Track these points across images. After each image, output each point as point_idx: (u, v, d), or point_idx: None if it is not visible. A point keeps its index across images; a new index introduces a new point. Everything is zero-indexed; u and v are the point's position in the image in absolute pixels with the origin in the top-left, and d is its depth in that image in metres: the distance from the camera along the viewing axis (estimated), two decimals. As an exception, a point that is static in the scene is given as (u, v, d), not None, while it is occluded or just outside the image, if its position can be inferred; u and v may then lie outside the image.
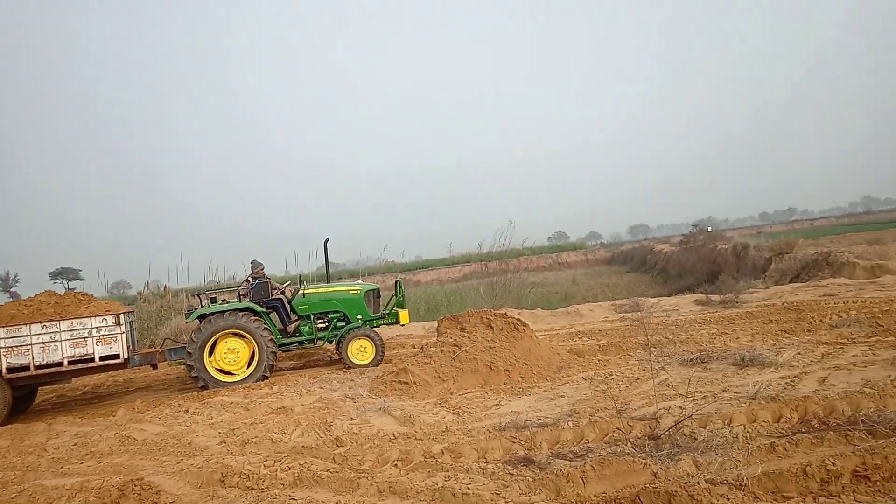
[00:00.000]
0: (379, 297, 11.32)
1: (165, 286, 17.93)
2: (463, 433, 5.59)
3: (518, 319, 8.89)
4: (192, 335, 9.48)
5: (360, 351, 9.99)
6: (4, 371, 8.51)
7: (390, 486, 4.34)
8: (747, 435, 4.78)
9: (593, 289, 27.99)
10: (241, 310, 9.69)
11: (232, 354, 9.57)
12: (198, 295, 10.75)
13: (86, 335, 8.82)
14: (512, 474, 4.42)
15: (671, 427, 4.76)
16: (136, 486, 4.85)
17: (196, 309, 9.89)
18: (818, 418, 5.02)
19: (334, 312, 10.49)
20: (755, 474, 3.83)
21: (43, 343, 8.63)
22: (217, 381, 9.38)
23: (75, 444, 6.80)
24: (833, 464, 3.85)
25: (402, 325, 11.11)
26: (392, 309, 10.90)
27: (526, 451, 4.92)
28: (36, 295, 9.64)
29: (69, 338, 8.74)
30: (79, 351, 8.78)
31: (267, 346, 9.56)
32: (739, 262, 22.43)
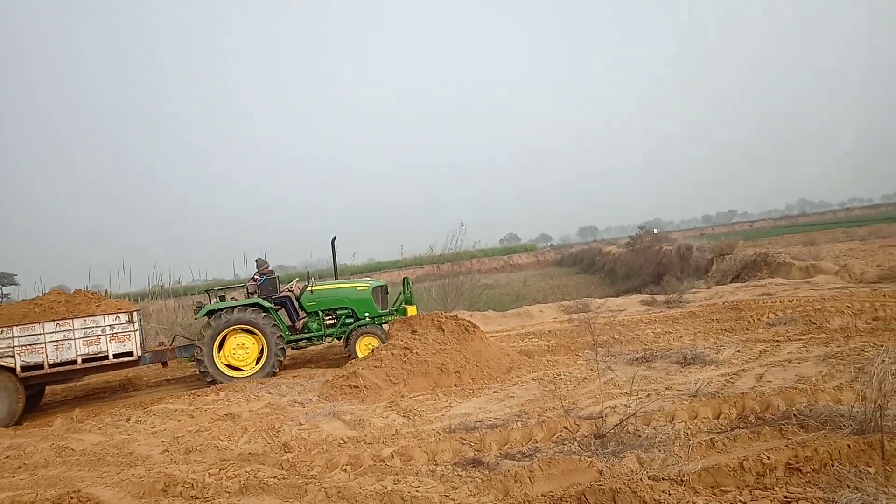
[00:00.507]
0: (387, 293, 11.36)
1: (106, 291, 17.30)
2: (413, 436, 5.59)
3: (469, 321, 8.95)
4: (202, 331, 9.50)
5: (367, 348, 9.93)
6: (19, 370, 8.47)
7: (339, 492, 4.30)
8: (688, 431, 4.94)
9: (544, 290, 28.40)
10: (249, 305, 9.72)
11: (241, 350, 9.63)
12: (206, 292, 10.88)
13: (99, 333, 8.81)
14: (461, 476, 4.44)
15: (616, 425, 4.87)
16: (72, 498, 4.66)
17: (204, 306, 9.91)
18: (755, 414, 5.22)
19: (342, 309, 10.52)
20: (695, 470, 3.96)
21: (56, 341, 8.62)
22: (226, 377, 9.42)
23: (7, 457, 6.48)
24: (768, 457, 4.01)
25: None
26: (400, 306, 10.95)
27: (475, 453, 4.95)
28: (45, 293, 9.69)
29: (83, 336, 8.74)
30: (92, 349, 8.79)
31: (276, 342, 9.62)
32: (683, 263, 23.12)
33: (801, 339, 8.11)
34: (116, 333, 8.89)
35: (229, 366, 9.60)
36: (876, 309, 9.67)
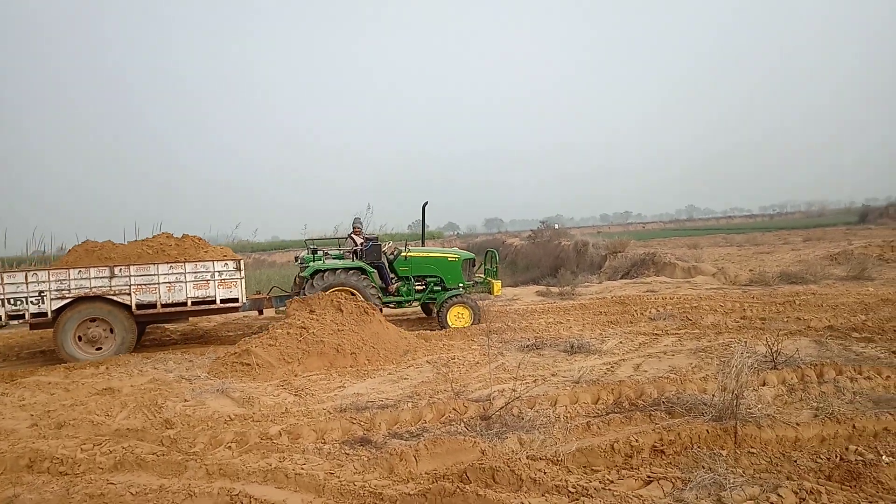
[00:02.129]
0: (474, 265, 11.58)
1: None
2: (303, 414, 5.56)
3: (368, 304, 8.94)
4: (306, 287, 9.81)
5: (457, 317, 10.34)
6: (134, 307, 8.91)
7: (220, 469, 4.21)
8: (568, 415, 5.22)
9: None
10: (353, 268, 10.09)
11: None
12: (305, 243, 11.38)
13: (208, 278, 9.24)
14: (348, 454, 4.47)
15: (501, 408, 5.07)
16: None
17: (306, 260, 10.34)
18: (629, 400, 5.58)
19: (432, 277, 10.87)
20: (570, 450, 4.20)
21: (169, 283, 9.05)
22: None
23: None
24: (636, 440, 4.32)
25: (496, 296, 11.86)
26: (486, 279, 11.37)
27: (364, 432, 4.99)
28: (155, 235, 10.12)
29: (193, 279, 9.17)
30: (201, 293, 9.23)
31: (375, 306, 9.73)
32: (579, 258, 24.13)
33: (677, 334, 8.72)
34: (224, 279, 9.33)
35: None
36: (744, 309, 10.57)
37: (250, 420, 5.43)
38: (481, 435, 4.62)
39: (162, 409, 5.92)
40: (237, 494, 3.84)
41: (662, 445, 4.30)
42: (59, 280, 8.67)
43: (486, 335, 8.61)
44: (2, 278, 8.51)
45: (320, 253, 10.68)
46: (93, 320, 8.89)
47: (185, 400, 6.26)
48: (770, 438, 4.38)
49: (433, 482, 3.86)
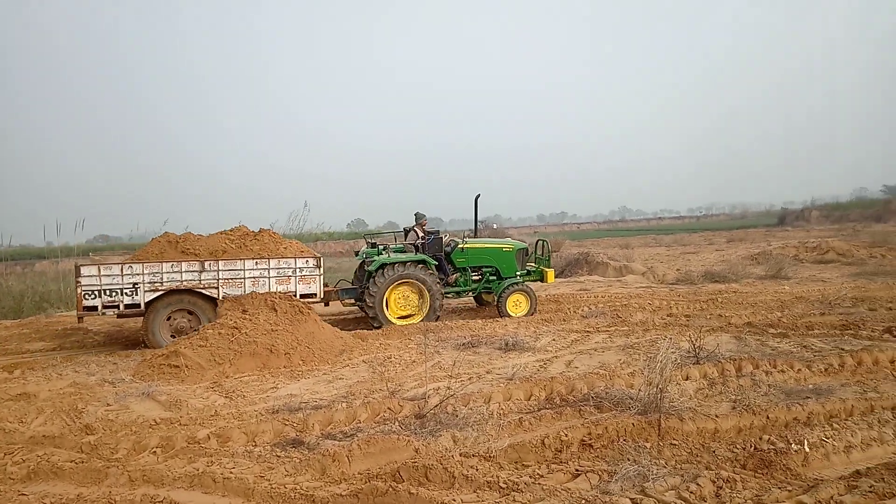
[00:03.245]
0: (527, 255, 11.92)
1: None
2: (233, 417, 5.43)
3: (303, 303, 8.80)
4: (375, 279, 10.07)
5: (515, 304, 10.72)
6: (220, 300, 9.03)
7: (144, 475, 4.06)
8: (501, 412, 5.30)
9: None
10: (418, 262, 10.39)
11: (403, 300, 10.44)
12: (364, 237, 12.16)
13: (290, 274, 9.60)
14: (279, 456, 4.40)
15: (436, 406, 5.10)
16: None
17: (370, 254, 10.73)
18: (561, 396, 5.72)
19: (488, 267, 11.18)
20: (503, 446, 4.27)
21: (254, 278, 9.39)
22: (391, 322, 10.14)
23: None
24: (566, 435, 4.43)
25: (549, 283, 12.22)
26: (538, 268, 11.66)
27: (297, 433, 4.92)
28: (233, 228, 10.29)
29: (276, 275, 9.52)
30: (282, 288, 9.51)
31: (438, 297, 10.40)
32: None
33: (608, 331, 8.99)
34: (304, 276, 9.68)
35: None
36: (671, 306, 11.01)
37: (177, 424, 5.26)
38: (415, 433, 4.64)
39: (82, 414, 5.65)
40: (161, 501, 3.72)
41: (591, 439, 4.43)
42: (153, 273, 9.02)
43: (423, 334, 8.63)
44: (99, 270, 8.85)
45: (381, 246, 11.17)
46: (180, 311, 9.25)
47: (108, 404, 6.00)
48: (691, 430, 4.58)
49: (366, 482, 3.85)
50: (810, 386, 5.80)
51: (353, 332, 9.66)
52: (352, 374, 7.07)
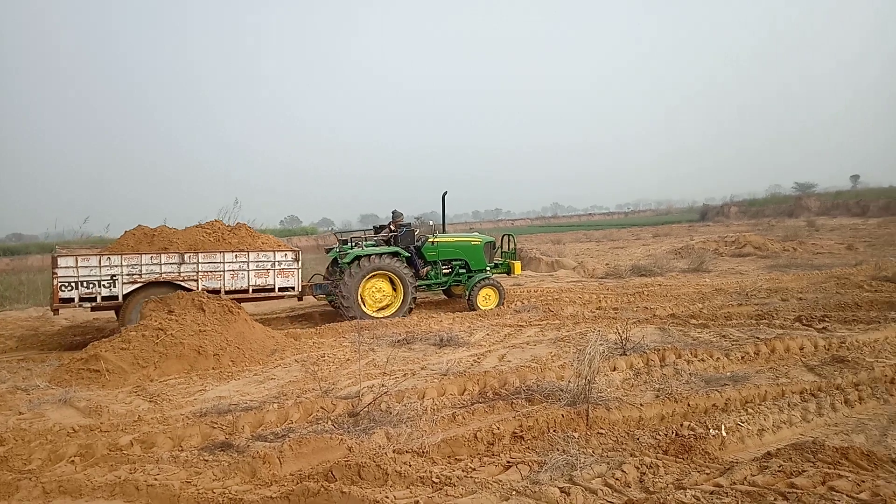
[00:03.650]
0: (494, 248, 12.29)
1: None
2: (158, 422, 5.23)
3: (233, 302, 8.57)
4: (350, 272, 10.23)
5: (485, 298, 11.01)
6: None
7: (60, 486, 3.86)
8: (435, 407, 5.33)
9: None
10: (391, 254, 10.62)
11: (378, 293, 10.65)
12: (335, 235, 12.37)
13: (269, 267, 9.71)
14: (207, 460, 4.27)
15: (370, 404, 5.08)
16: None
17: (344, 249, 10.76)
18: (493, 390, 5.80)
19: (457, 260, 11.50)
20: (436, 441, 4.30)
21: (233, 271, 9.47)
22: (368, 315, 10.26)
23: None
24: (498, 428, 4.50)
25: (516, 276, 12.58)
26: (505, 261, 12.05)
27: (226, 436, 4.79)
28: (209, 222, 10.32)
29: (255, 268, 9.63)
30: (261, 281, 9.69)
31: (411, 288, 10.62)
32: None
33: (540, 325, 9.18)
34: (283, 269, 9.81)
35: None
36: (600, 300, 11.35)
37: (97, 431, 5.02)
38: (348, 432, 4.61)
39: (-9, 424, 5.32)
40: (79, 512, 3.55)
41: (522, 431, 4.51)
42: (132, 265, 8.97)
43: (357, 331, 8.57)
44: (76, 261, 8.71)
45: (352, 242, 11.28)
46: None
47: (21, 413, 5.67)
48: (617, 419, 4.74)
49: (297, 483, 3.79)
50: (728, 373, 6.10)
51: (285, 331, 9.49)
52: (284, 374, 6.94)
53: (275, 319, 11.42)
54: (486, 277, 11.18)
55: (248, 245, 9.94)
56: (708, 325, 8.55)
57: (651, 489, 3.60)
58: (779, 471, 3.67)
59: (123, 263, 8.94)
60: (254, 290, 9.70)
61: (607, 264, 17.95)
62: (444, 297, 13.00)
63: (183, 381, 6.75)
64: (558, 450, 4.20)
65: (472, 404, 5.35)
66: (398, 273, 10.53)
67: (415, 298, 10.86)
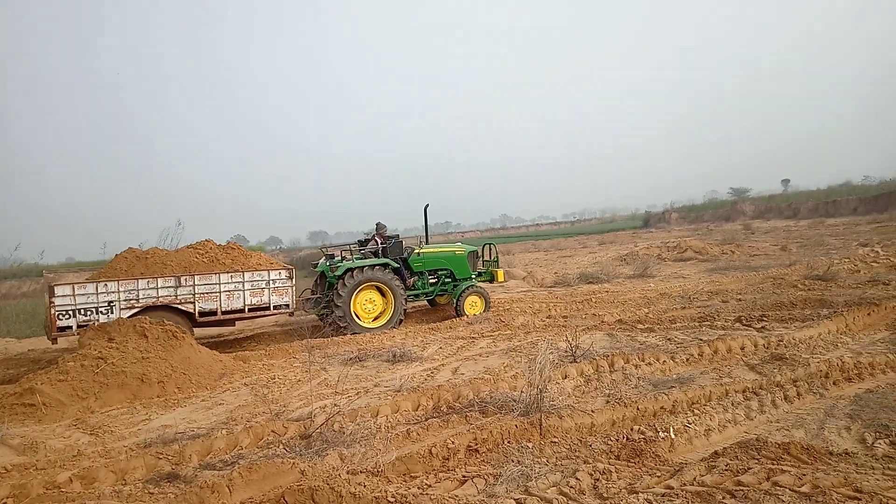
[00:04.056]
0: (477, 257, 12.57)
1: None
2: (100, 455, 5.01)
3: (177, 327, 8.31)
4: (344, 282, 10.34)
5: (472, 305, 11.40)
6: (197, 315, 9.32)
7: (-7, 530, 3.65)
8: (389, 424, 5.28)
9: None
10: (381, 265, 10.75)
11: (370, 304, 10.78)
12: (321, 249, 12.57)
13: (263, 286, 9.82)
14: (152, 493, 4.11)
15: (322, 424, 4.99)
16: None
17: (334, 262, 11.03)
18: (448, 404, 5.79)
19: (443, 270, 11.83)
20: (390, 460, 4.25)
21: (229, 291, 9.51)
22: (361, 327, 10.42)
23: None
24: (453, 442, 4.49)
25: (500, 283, 13.24)
26: (488, 269, 12.45)
27: (172, 467, 4.63)
28: (200, 242, 10.40)
29: (250, 288, 9.71)
30: (256, 300, 9.80)
31: (401, 299, 10.82)
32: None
33: (492, 336, 9.24)
34: (277, 287, 9.92)
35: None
36: (549, 309, 11.50)
37: (33, 469, 4.77)
38: (301, 455, 4.51)
39: (-87, 468, 4.98)
40: (14, 557, 3.35)
41: (477, 444, 4.51)
42: (129, 290, 8.97)
43: (308, 351, 8.43)
44: (73, 289, 8.69)
45: (338, 255, 11.62)
46: None
47: (-53, 454, 5.34)
48: (570, 427, 4.80)
49: (249, 511, 3.69)
50: (674, 376, 6.27)
51: (233, 354, 9.26)
52: (233, 399, 6.76)
53: (223, 342, 11.13)
54: (471, 285, 11.58)
55: (242, 264, 10.08)
56: (654, 329, 8.77)
57: (605, 495, 3.65)
58: (726, 469, 3.78)
59: (121, 289, 8.93)
60: (249, 309, 9.83)
61: (556, 273, 18.22)
62: (427, 306, 13.24)
63: (126, 412, 6.49)
64: (513, 461, 4.21)
65: (426, 420, 5.33)
66: (388, 284, 10.70)
67: (405, 309, 11.07)
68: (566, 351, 7.16)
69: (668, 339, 8.05)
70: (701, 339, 7.71)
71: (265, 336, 11.46)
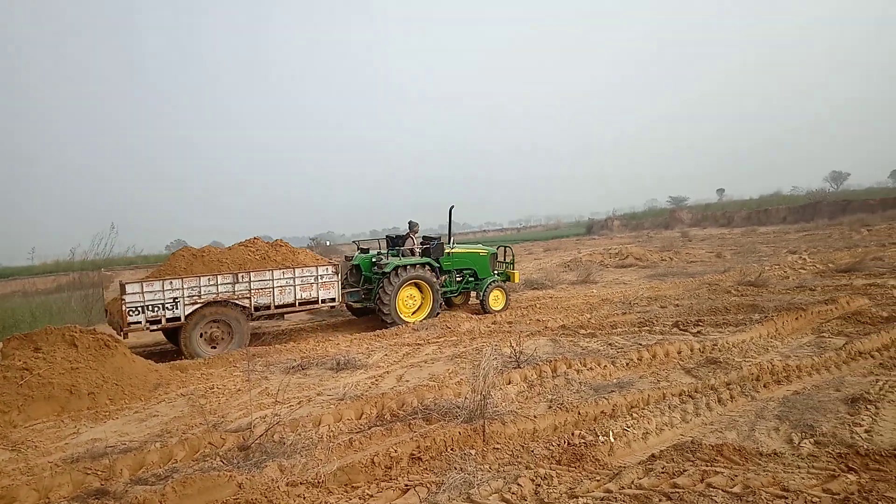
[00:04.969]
0: (497, 258, 13.42)
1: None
2: (21, 472, 4.75)
3: (109, 336, 7.96)
4: (390, 280, 10.92)
5: (495, 299, 12.19)
6: (252, 309, 9.77)
7: None
8: (331, 434, 5.20)
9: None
10: (424, 264, 11.40)
11: (410, 300, 11.42)
12: (355, 242, 13.21)
13: (312, 281, 10.33)
14: (79, 511, 3.91)
15: (261, 435, 4.87)
16: None
17: (364, 261, 11.74)
18: (392, 412, 5.75)
19: (468, 269, 12.56)
20: (331, 470, 4.18)
21: (281, 286, 10.01)
22: (404, 321, 11.05)
23: None
24: (396, 451, 4.45)
25: (515, 283, 13.54)
26: (505, 270, 13.19)
27: (102, 482, 4.42)
28: (250, 240, 11.03)
29: (301, 283, 10.21)
30: (306, 294, 10.30)
31: (439, 295, 11.54)
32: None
33: (437, 342, 9.23)
34: (324, 282, 10.46)
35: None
36: (494, 314, 11.57)
37: (-54, 489, 4.47)
38: (238, 467, 4.38)
39: None
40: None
41: (420, 452, 4.49)
42: (191, 287, 9.40)
43: (248, 360, 8.21)
44: (142, 287, 9.08)
45: (376, 251, 12.11)
46: (214, 322, 9.62)
47: None
48: (513, 433, 4.84)
49: (182, 527, 3.55)
50: (615, 380, 6.41)
51: (169, 364, 8.94)
52: (168, 410, 6.52)
53: (161, 352, 10.73)
54: (493, 281, 12.38)
55: (291, 261, 10.67)
56: (595, 334, 8.94)
57: (546, 500, 3.69)
58: (662, 472, 3.87)
59: (185, 286, 9.36)
60: (300, 303, 10.31)
61: (502, 279, 18.36)
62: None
63: (52, 425, 6.17)
64: (456, 468, 4.21)
65: (369, 428, 5.27)
66: (429, 281, 11.38)
67: (442, 304, 11.85)
68: (510, 357, 7.22)
69: (610, 344, 8.22)
70: (640, 344, 7.91)
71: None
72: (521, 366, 6.96)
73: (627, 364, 7.01)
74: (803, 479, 3.67)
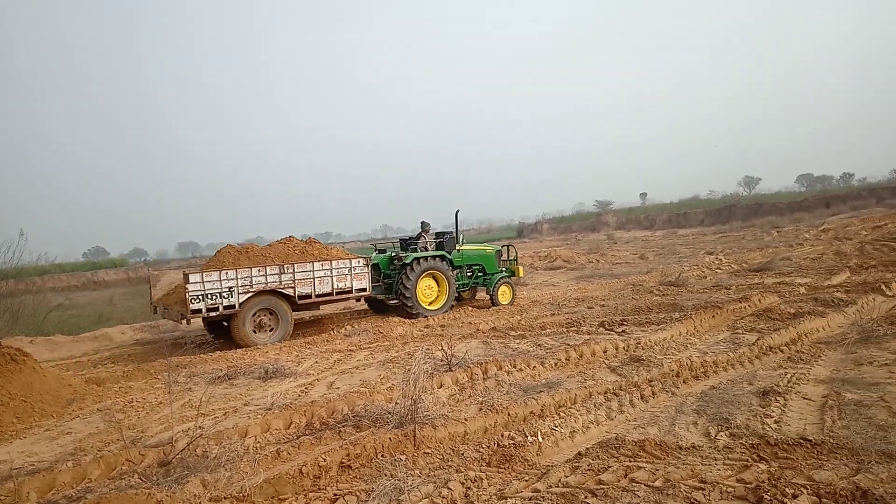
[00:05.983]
0: (501, 256, 14.12)
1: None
2: (-87, 502, 4.37)
3: (17, 350, 7.47)
4: (410, 270, 11.82)
5: (503, 294, 13.00)
6: (297, 298, 10.62)
7: None
8: (258, 445, 5.06)
9: (133, 310, 25.57)
10: (440, 257, 12.33)
11: (429, 290, 12.30)
12: (374, 245, 13.92)
13: (346, 273, 11.12)
14: (-21, 540, 3.64)
15: (182, 450, 4.68)
16: None
17: (383, 259, 12.62)
18: (321, 420, 5.64)
19: (476, 265, 13.41)
20: (257, 483, 4.06)
21: (320, 277, 10.86)
22: (426, 310, 11.96)
23: None
24: (324, 460, 4.37)
25: (520, 278, 14.63)
26: (510, 266, 14.06)
27: (6, 508, 4.13)
28: (285, 238, 12.05)
29: (337, 274, 11.04)
30: (341, 284, 11.08)
31: (454, 287, 12.41)
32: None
33: (370, 347, 9.15)
34: (357, 273, 11.21)
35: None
36: (427, 318, 11.59)
37: None
38: (158, 484, 4.19)
39: None
40: None
41: (349, 460, 4.43)
42: (244, 277, 10.09)
43: (169, 371, 7.88)
44: (202, 277, 9.68)
45: (391, 249, 13.16)
46: (262, 310, 10.35)
47: None
48: (444, 436, 4.84)
49: (96, 551, 3.36)
50: (543, 381, 6.52)
51: (85, 377, 8.47)
52: (82, 427, 6.17)
53: (75, 365, 10.15)
54: (501, 276, 13.18)
55: (325, 255, 11.51)
56: (525, 335, 9.10)
57: (476, 503, 3.71)
58: (588, 469, 3.97)
59: (238, 277, 10.01)
60: (336, 293, 11.02)
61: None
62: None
63: (-50, 448, 5.72)
64: (386, 475, 4.17)
65: (297, 438, 5.16)
66: (445, 273, 12.26)
67: (457, 296, 12.78)
68: (442, 360, 7.24)
69: (539, 345, 8.38)
70: (568, 344, 8.09)
71: (124, 356, 10.61)
72: (453, 369, 6.99)
73: (556, 364, 7.16)
74: (719, 470, 3.84)
